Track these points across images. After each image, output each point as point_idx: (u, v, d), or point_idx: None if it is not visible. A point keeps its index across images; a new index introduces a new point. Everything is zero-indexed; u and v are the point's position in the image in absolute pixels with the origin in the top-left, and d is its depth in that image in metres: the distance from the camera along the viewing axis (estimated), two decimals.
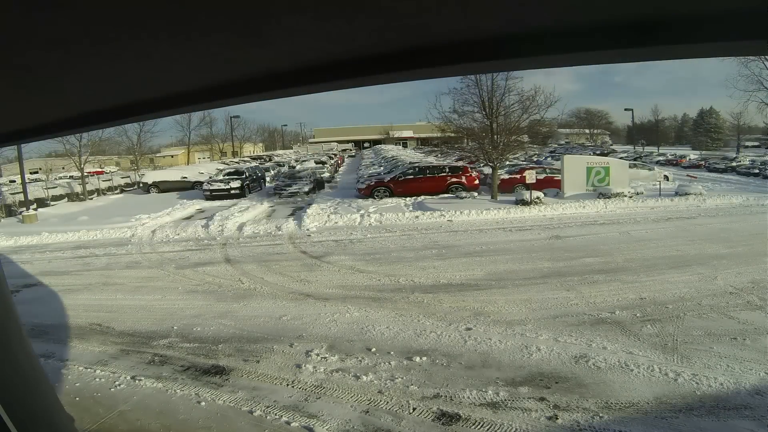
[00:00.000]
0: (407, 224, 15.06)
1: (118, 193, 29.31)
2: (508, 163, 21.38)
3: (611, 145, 50.52)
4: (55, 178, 29.97)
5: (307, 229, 14.86)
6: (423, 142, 52.37)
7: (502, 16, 0.75)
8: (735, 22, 0.68)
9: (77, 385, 5.77)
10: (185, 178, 28.40)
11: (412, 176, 20.74)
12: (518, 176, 19.06)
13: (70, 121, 1.17)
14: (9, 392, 1.14)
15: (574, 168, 18.64)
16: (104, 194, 28.26)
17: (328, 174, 28.59)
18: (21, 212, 19.64)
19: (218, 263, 11.48)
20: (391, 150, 47.19)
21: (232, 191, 22.54)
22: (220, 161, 41.05)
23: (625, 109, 54.03)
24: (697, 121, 53.68)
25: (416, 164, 23.09)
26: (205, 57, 0.88)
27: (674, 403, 4.84)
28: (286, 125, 70.39)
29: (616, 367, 5.58)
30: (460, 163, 22.12)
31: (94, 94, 1.04)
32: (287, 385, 5.63)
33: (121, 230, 15.96)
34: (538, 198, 16.80)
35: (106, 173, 33.94)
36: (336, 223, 15.57)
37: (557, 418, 4.71)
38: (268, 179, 27.90)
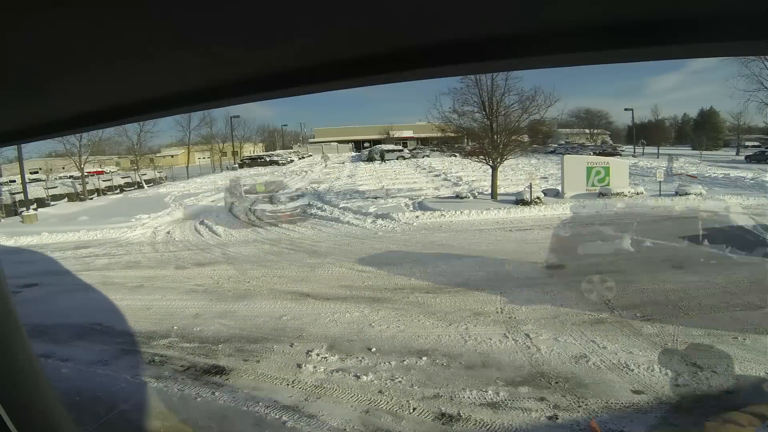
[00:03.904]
0: (407, 224, 15.04)
1: (117, 193, 29.30)
2: None
3: (612, 144, 50.50)
4: (55, 178, 29.98)
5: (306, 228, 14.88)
6: (423, 142, 52.26)
7: (501, 16, 0.75)
8: (735, 22, 0.68)
9: (78, 384, 5.77)
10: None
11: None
12: None
13: (70, 121, 1.17)
14: (9, 392, 1.14)
15: (574, 168, 18.61)
16: (104, 194, 28.26)
17: None
18: (21, 212, 19.64)
19: (218, 263, 11.49)
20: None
21: None
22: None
23: (625, 109, 53.94)
24: (697, 121, 53.60)
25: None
26: (204, 57, 0.88)
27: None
28: (286, 125, 70.25)
29: (615, 366, 5.59)
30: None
31: (94, 94, 1.03)
32: (287, 385, 5.63)
33: (121, 230, 15.96)
34: (538, 198, 16.79)
35: (106, 173, 33.90)
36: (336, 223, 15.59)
37: (557, 418, 4.72)
38: None
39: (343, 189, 23.54)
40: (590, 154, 28.89)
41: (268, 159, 44.40)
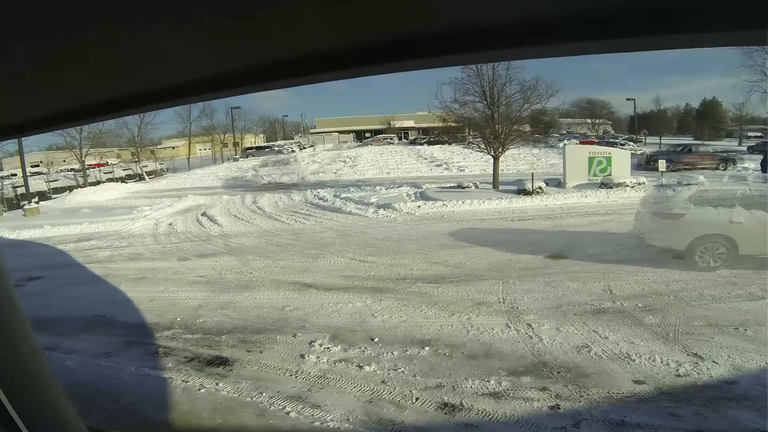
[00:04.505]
0: (409, 214, 15.04)
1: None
2: None
3: (614, 133, 50.34)
4: (57, 171, 30.03)
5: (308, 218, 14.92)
6: (424, 132, 52.22)
7: (504, 4, 0.74)
8: (737, 11, 0.67)
9: (82, 376, 5.81)
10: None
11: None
12: None
13: (71, 114, 1.16)
14: (14, 386, 1.14)
15: (576, 158, 18.57)
16: None
17: None
18: (23, 205, 19.67)
19: (220, 254, 11.51)
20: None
21: None
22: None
23: (627, 99, 53.60)
24: (699, 112, 53.29)
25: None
26: (206, 48, 0.87)
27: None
28: (287, 116, 70.21)
29: (616, 356, 5.61)
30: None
31: (95, 85, 1.03)
32: (290, 375, 5.66)
33: (123, 222, 15.99)
34: (539, 188, 16.77)
35: (108, 165, 33.92)
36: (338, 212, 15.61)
37: (558, 408, 4.74)
38: None
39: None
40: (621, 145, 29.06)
41: (276, 149, 44.56)
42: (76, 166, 29.22)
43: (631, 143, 37.02)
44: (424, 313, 7.18)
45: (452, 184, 19.43)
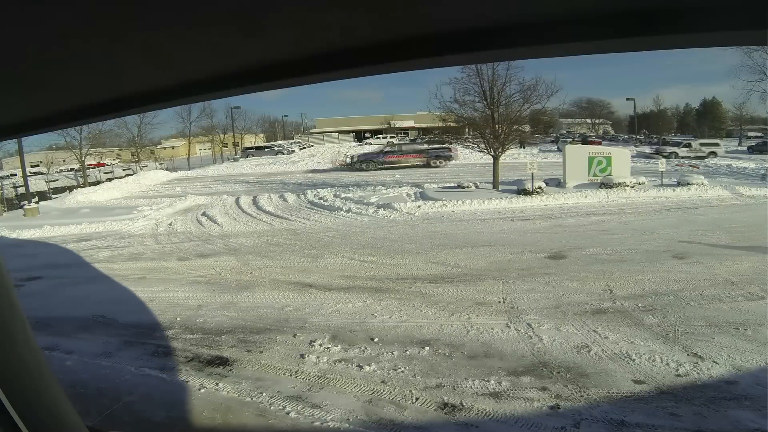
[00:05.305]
0: (409, 214, 15.04)
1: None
2: None
3: (614, 133, 50.45)
4: (56, 171, 30.05)
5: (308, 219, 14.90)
6: (424, 132, 52.26)
7: (502, 4, 0.74)
8: (736, 11, 0.67)
9: (82, 377, 5.81)
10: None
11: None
12: None
13: (71, 114, 1.16)
14: (14, 386, 1.14)
15: (576, 158, 18.57)
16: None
17: None
18: (23, 205, 19.66)
19: (220, 254, 11.50)
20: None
21: None
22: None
23: (627, 99, 53.62)
24: (699, 111, 53.30)
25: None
26: (205, 49, 0.87)
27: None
28: (287, 116, 70.37)
29: (616, 356, 5.61)
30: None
31: (95, 86, 1.03)
32: (291, 375, 5.66)
33: (123, 222, 15.98)
34: (539, 188, 16.77)
35: (107, 165, 33.96)
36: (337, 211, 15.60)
37: (558, 408, 4.74)
38: None
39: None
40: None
41: (276, 149, 44.53)
42: (76, 166, 29.21)
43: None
44: (424, 313, 7.17)
45: (452, 184, 19.44)
